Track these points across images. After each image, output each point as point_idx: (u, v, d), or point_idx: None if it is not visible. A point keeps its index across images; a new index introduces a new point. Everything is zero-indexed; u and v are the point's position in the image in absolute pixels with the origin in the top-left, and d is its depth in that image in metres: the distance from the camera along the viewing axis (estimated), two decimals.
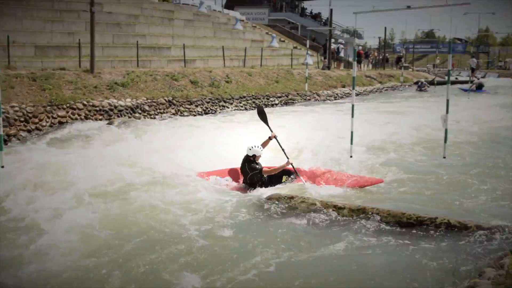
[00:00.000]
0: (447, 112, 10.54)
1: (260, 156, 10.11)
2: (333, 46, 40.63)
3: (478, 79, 39.82)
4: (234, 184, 10.36)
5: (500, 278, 4.66)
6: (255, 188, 9.91)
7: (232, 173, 10.58)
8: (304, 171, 10.49)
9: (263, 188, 9.86)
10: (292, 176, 10.27)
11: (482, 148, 14.54)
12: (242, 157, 10.21)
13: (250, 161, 10.08)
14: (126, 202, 8.88)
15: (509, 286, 4.48)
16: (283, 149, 10.41)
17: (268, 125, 10.91)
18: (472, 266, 5.99)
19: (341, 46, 42.18)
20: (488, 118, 20.90)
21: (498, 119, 20.87)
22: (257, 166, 10.03)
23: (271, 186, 10.00)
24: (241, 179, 10.35)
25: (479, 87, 36.44)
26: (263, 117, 11.11)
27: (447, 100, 10.64)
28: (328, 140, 14.77)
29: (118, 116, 18.42)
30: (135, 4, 31.00)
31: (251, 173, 10.01)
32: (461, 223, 7.23)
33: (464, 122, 19.31)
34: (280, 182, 10.26)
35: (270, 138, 10.50)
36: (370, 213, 7.91)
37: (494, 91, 37.37)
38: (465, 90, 35.80)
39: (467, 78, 41.60)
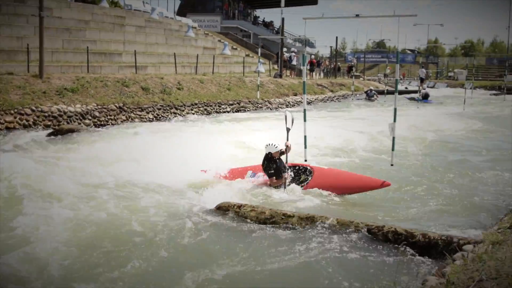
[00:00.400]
0: (394, 120, 10.72)
1: (277, 152, 10.28)
2: (286, 54, 40.95)
3: (424, 89, 40.76)
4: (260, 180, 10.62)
5: (441, 286, 4.76)
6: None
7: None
8: (323, 169, 10.59)
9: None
10: (309, 178, 10.38)
11: (429, 156, 14.81)
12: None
13: (269, 159, 10.32)
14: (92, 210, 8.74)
15: None
16: (286, 161, 10.45)
17: (287, 132, 10.88)
18: (416, 275, 6.10)
19: (294, 54, 42.54)
20: (435, 127, 21.33)
21: (444, 128, 21.35)
22: (271, 171, 10.29)
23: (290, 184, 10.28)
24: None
25: (425, 97, 37.37)
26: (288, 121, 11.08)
27: (395, 109, 10.84)
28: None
29: (68, 123, 18.15)
30: (85, 9, 30.63)
31: (265, 172, 10.41)
32: (407, 231, 7.29)
33: (413, 130, 19.68)
34: (299, 181, 10.42)
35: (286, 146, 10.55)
36: (318, 221, 7.95)
37: (440, 101, 38.29)
38: (413, 100, 36.65)
39: (417, 88, 42.51)
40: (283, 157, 10.48)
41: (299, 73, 41.78)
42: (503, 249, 5.13)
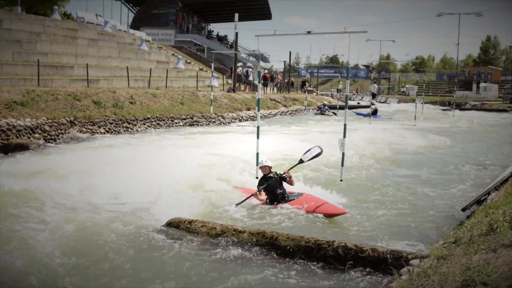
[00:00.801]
0: (344, 136, 10.88)
1: (262, 168, 10.93)
2: (243, 69, 41.10)
3: (373, 104, 41.50)
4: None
5: None
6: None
7: None
8: (310, 195, 10.84)
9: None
10: (294, 199, 10.68)
11: (378, 171, 15.00)
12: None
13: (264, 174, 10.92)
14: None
15: None
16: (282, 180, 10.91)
17: (298, 162, 11.34)
18: None
19: (250, 69, 42.71)
20: (386, 142, 21.69)
21: (394, 142, 21.73)
22: (260, 186, 10.70)
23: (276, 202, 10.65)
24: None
25: (374, 112, 37.96)
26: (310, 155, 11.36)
27: (345, 125, 10.99)
28: (234, 161, 14.90)
29: (17, 137, 17.79)
30: (37, 21, 30.22)
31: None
32: (357, 246, 7.35)
33: (364, 145, 19.94)
34: (284, 199, 10.71)
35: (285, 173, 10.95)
36: (269, 237, 7.97)
37: (389, 116, 39.03)
38: (364, 115, 37.26)
39: (369, 103, 43.23)
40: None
41: (255, 88, 41.96)
42: (447, 264, 5.24)
